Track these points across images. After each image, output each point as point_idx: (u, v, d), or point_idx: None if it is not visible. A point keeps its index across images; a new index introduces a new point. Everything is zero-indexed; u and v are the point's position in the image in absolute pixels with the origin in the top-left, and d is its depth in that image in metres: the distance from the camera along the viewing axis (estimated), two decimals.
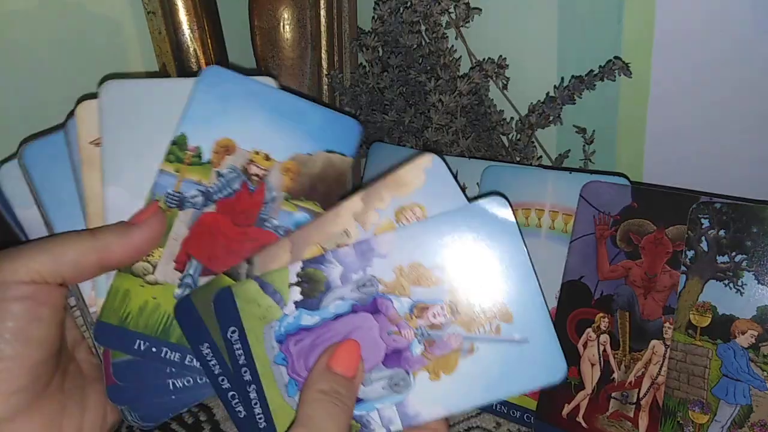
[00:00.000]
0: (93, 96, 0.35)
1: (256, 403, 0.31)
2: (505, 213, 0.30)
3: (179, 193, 0.34)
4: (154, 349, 0.33)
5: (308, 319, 0.30)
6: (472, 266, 0.30)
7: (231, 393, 0.31)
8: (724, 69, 0.46)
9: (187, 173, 0.34)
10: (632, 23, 0.48)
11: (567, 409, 0.41)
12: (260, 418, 0.31)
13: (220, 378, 0.31)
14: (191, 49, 0.52)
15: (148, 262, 0.33)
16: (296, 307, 0.30)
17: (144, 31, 0.52)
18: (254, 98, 0.34)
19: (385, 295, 0.30)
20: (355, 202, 0.31)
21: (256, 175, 0.34)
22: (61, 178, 0.34)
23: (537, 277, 0.30)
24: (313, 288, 0.30)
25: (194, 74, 0.35)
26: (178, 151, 0.34)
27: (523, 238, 0.30)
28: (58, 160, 0.35)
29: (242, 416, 0.31)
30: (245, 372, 0.31)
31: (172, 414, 0.33)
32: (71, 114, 0.35)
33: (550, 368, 0.30)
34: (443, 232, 0.30)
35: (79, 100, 0.35)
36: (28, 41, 0.48)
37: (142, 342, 0.32)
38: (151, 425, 0.33)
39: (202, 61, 0.53)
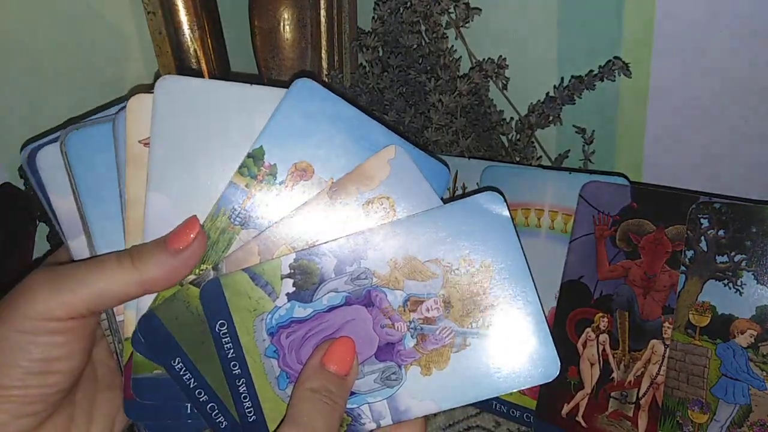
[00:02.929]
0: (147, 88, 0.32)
1: (245, 397, 0.30)
2: (500, 208, 0.30)
3: (246, 210, 0.31)
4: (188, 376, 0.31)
5: (301, 311, 0.30)
6: (466, 261, 0.30)
7: (210, 405, 0.31)
8: (724, 69, 0.46)
9: (258, 191, 0.31)
10: (632, 23, 0.48)
11: (566, 408, 0.41)
12: (250, 412, 0.30)
13: (197, 391, 0.31)
14: (191, 49, 0.52)
15: (197, 274, 0.31)
16: (288, 299, 0.30)
17: (144, 31, 0.52)
18: (342, 123, 0.31)
19: (379, 287, 0.30)
20: (321, 199, 0.31)
21: None
22: (103, 174, 0.32)
23: (531, 273, 0.30)
24: (306, 280, 0.30)
25: (258, 81, 0.32)
26: (253, 165, 0.31)
27: (517, 234, 0.30)
28: (103, 154, 0.32)
29: (224, 426, 0.31)
30: (234, 366, 0.30)
31: None
32: (115, 104, 0.33)
33: (543, 366, 0.30)
34: (438, 227, 0.30)
35: (132, 91, 0.32)
36: (28, 41, 0.48)
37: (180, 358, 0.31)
38: None
39: (202, 61, 0.53)
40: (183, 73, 0.53)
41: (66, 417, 0.31)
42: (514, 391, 0.30)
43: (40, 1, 0.47)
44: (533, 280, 0.30)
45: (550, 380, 0.30)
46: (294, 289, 0.30)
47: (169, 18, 0.51)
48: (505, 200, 0.30)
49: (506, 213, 0.30)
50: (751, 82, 0.46)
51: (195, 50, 0.52)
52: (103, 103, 0.49)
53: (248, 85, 0.31)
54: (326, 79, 0.58)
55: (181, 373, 0.31)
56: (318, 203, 0.31)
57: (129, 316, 0.31)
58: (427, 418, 0.31)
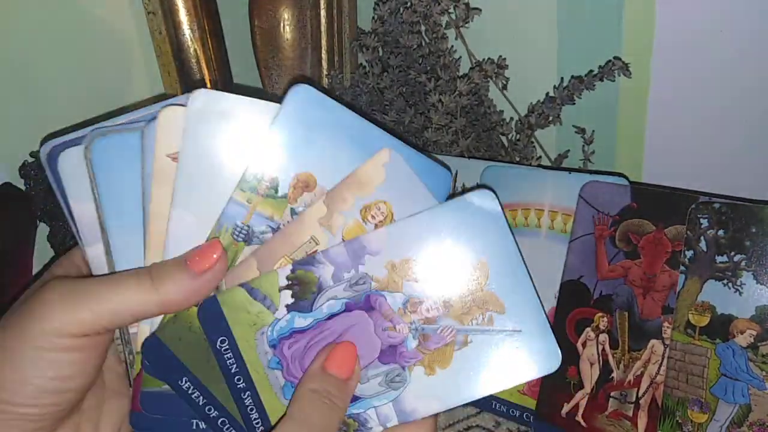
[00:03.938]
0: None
1: (252, 409, 0.30)
2: (493, 205, 0.30)
3: (248, 226, 0.30)
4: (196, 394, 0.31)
5: (301, 321, 0.30)
6: (462, 259, 0.30)
7: (221, 420, 0.31)
8: (723, 69, 0.46)
9: (260, 206, 0.30)
10: (632, 23, 0.48)
11: (566, 408, 0.41)
12: (258, 424, 0.31)
13: (207, 408, 0.31)
14: (191, 49, 0.52)
15: None
16: (288, 311, 0.30)
17: (144, 31, 0.52)
18: (343, 131, 0.31)
19: (378, 291, 0.30)
20: (318, 208, 0.30)
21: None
22: (127, 183, 0.31)
23: (527, 266, 0.30)
24: (304, 290, 0.30)
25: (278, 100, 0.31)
26: (254, 179, 0.30)
27: (511, 230, 0.30)
28: (128, 164, 0.31)
29: None
30: (239, 380, 0.30)
31: None
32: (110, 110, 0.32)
33: (545, 357, 0.30)
34: (433, 227, 0.30)
35: (115, 95, 0.31)
36: (27, 41, 0.48)
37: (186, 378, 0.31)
38: None
39: (202, 61, 0.53)
40: (184, 74, 0.53)
41: (73, 426, 0.30)
42: (518, 384, 0.30)
43: (40, 1, 0.47)
44: (530, 275, 0.30)
45: (553, 372, 0.30)
46: (293, 300, 0.30)
47: (169, 18, 0.51)
48: (497, 197, 0.30)
49: (498, 209, 0.30)
50: (751, 81, 0.46)
51: (195, 50, 0.52)
52: (102, 103, 0.49)
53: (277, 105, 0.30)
54: (326, 80, 0.58)
55: (190, 392, 0.31)
56: (314, 212, 0.31)
57: (143, 329, 0.31)
58: (436, 417, 0.31)
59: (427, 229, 0.30)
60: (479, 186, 0.31)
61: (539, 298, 0.30)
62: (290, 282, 0.30)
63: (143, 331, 0.31)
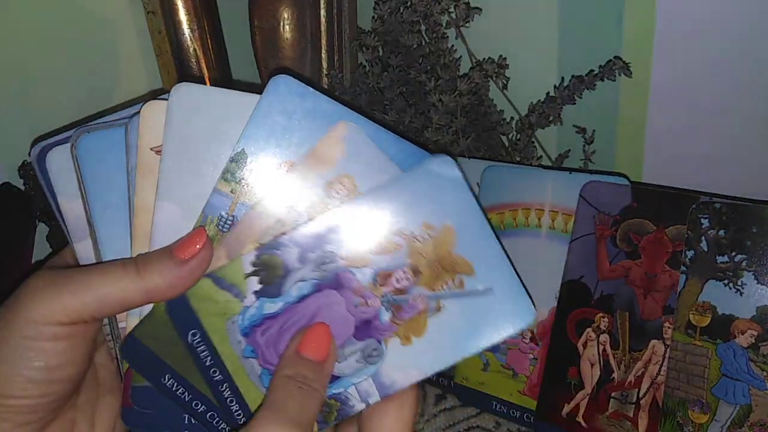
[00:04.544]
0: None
1: (231, 401, 0.30)
2: (453, 171, 0.30)
3: (233, 216, 0.30)
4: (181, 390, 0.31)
5: (271, 306, 0.30)
6: (427, 227, 0.30)
7: (210, 414, 0.31)
8: (724, 68, 0.46)
9: (243, 196, 0.30)
10: (632, 23, 0.48)
11: (567, 408, 0.41)
12: (239, 415, 0.30)
13: (194, 403, 0.31)
14: (191, 49, 0.52)
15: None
16: (257, 297, 0.30)
17: (144, 31, 0.52)
18: (323, 119, 0.31)
19: (346, 268, 0.30)
20: (280, 188, 0.30)
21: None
22: (113, 178, 0.31)
23: (492, 227, 0.30)
24: (271, 274, 0.30)
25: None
26: (237, 169, 0.30)
27: (473, 192, 0.30)
28: (114, 158, 0.31)
29: None
30: (215, 372, 0.30)
31: None
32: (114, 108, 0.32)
33: (518, 313, 0.30)
34: (394, 198, 0.30)
35: (115, 94, 0.32)
36: (27, 41, 0.48)
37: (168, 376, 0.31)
38: None
39: (202, 61, 0.53)
40: (184, 74, 0.53)
41: (68, 422, 0.30)
42: (495, 343, 0.30)
43: (40, 2, 0.47)
44: (496, 235, 0.30)
45: (528, 326, 0.30)
46: (261, 286, 0.30)
47: (169, 18, 0.51)
48: (457, 162, 0.30)
49: (459, 174, 0.30)
50: (752, 81, 0.46)
51: (195, 50, 0.52)
52: (102, 103, 0.49)
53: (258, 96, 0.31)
54: (326, 79, 0.58)
55: (174, 388, 0.30)
56: (276, 193, 0.30)
57: (131, 323, 0.31)
58: (420, 388, 0.31)
59: (388, 201, 0.30)
60: (438, 153, 0.31)
61: (508, 256, 0.30)
62: (256, 268, 0.30)
63: (132, 325, 0.31)
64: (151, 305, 0.31)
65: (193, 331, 0.30)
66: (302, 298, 0.30)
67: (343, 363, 0.30)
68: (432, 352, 0.30)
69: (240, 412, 0.30)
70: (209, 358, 0.30)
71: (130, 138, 0.31)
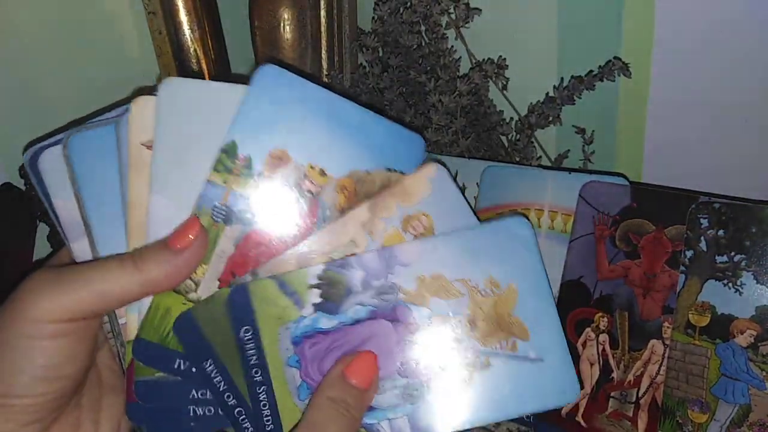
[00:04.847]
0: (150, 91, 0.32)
1: (265, 405, 0.30)
2: (527, 232, 0.30)
3: (226, 206, 0.31)
4: (193, 369, 0.31)
5: (326, 322, 0.30)
6: (492, 282, 0.30)
7: (237, 409, 0.31)
8: (724, 68, 0.46)
9: (236, 185, 0.31)
10: (632, 23, 0.48)
11: (566, 408, 0.41)
12: (268, 421, 0.30)
13: (226, 395, 0.31)
14: (191, 49, 0.52)
15: (192, 279, 0.31)
16: (315, 310, 0.30)
17: (144, 31, 0.52)
18: (312, 105, 0.31)
19: (405, 303, 0.30)
20: (362, 212, 0.31)
21: (310, 192, 0.31)
22: (105, 176, 0.31)
23: (554, 297, 0.31)
24: (333, 291, 0.30)
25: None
26: (227, 160, 0.31)
27: (542, 259, 0.31)
28: (106, 157, 0.31)
29: None
30: (256, 373, 0.30)
31: None
32: (115, 105, 0.33)
33: (564, 389, 0.30)
34: (467, 247, 0.30)
35: (135, 94, 0.32)
36: (27, 41, 0.48)
37: (181, 361, 0.31)
38: None
39: (203, 61, 0.53)
40: (185, 74, 0.53)
41: (72, 421, 0.30)
42: (535, 412, 0.31)
43: (40, 2, 0.47)
44: (556, 306, 0.31)
45: (569, 402, 0.30)
46: (321, 299, 0.30)
47: (169, 18, 0.51)
48: (532, 225, 0.31)
49: (532, 236, 0.30)
50: (752, 80, 0.46)
51: (195, 50, 0.52)
52: (103, 103, 0.49)
53: (245, 86, 0.31)
54: (326, 79, 0.58)
55: (212, 375, 0.30)
56: (358, 215, 0.31)
57: (131, 319, 0.31)
58: None
59: (461, 248, 0.30)
60: (515, 213, 0.32)
61: (564, 329, 0.31)
62: (320, 281, 0.30)
63: (131, 321, 0.31)
64: (149, 299, 0.31)
65: (246, 327, 0.30)
66: (356, 322, 0.30)
67: (381, 395, 0.30)
68: (472, 407, 0.30)
69: (270, 418, 0.30)
70: (255, 357, 0.30)
71: (120, 135, 0.31)
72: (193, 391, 0.31)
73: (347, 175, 0.32)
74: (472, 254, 0.30)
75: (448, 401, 0.30)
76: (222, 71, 0.55)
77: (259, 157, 0.31)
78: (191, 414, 0.32)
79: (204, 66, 0.53)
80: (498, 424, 0.45)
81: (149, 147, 0.31)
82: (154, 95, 0.31)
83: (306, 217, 0.32)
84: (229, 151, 0.31)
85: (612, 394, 0.40)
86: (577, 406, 0.41)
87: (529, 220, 0.31)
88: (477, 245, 0.30)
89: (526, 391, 0.30)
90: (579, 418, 0.41)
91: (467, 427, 0.30)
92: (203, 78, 0.53)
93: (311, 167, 0.31)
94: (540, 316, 0.30)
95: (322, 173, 0.32)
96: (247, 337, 0.30)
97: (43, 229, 0.50)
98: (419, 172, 0.31)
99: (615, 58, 0.48)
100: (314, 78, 0.32)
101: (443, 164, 0.32)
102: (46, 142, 0.33)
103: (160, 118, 0.31)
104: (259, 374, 0.30)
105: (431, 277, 0.30)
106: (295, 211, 0.31)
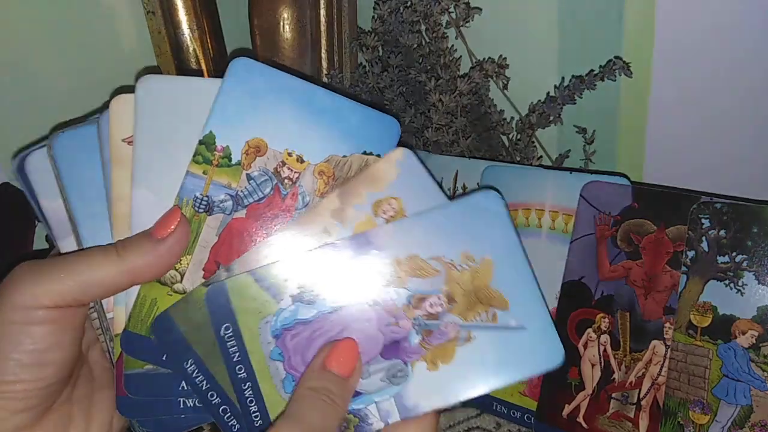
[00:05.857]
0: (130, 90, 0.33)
1: (251, 401, 0.30)
2: (498, 206, 0.30)
3: (207, 196, 0.32)
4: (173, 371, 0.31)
5: (305, 312, 0.30)
6: (467, 257, 0.30)
7: (222, 407, 0.31)
8: (724, 68, 0.46)
9: (216, 175, 0.32)
10: (633, 23, 0.48)
11: (567, 409, 0.41)
12: (256, 416, 0.30)
13: (209, 394, 0.31)
14: (191, 49, 0.52)
15: (176, 270, 0.31)
16: (293, 301, 0.30)
17: (144, 31, 0.52)
18: (286, 94, 0.32)
19: (384, 286, 0.30)
20: (332, 200, 0.31)
21: (289, 179, 0.32)
22: (89, 174, 0.32)
23: (530, 264, 0.31)
24: (309, 281, 0.30)
25: None
26: (206, 151, 0.32)
27: (515, 229, 0.31)
28: (89, 155, 0.32)
29: (236, 430, 0.31)
30: (240, 369, 0.30)
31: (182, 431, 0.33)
32: (106, 106, 0.33)
33: (548, 354, 0.30)
34: (439, 225, 0.30)
35: (115, 94, 0.33)
36: (26, 41, 0.48)
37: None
38: None
39: (202, 61, 0.53)
40: (184, 74, 0.53)
41: (64, 415, 0.31)
42: (520, 380, 0.31)
43: (40, 2, 0.47)
44: (533, 273, 0.30)
45: (555, 367, 0.30)
46: (298, 291, 0.30)
47: (168, 18, 0.51)
48: (503, 198, 0.31)
49: (504, 210, 0.30)
50: (752, 80, 0.46)
51: (195, 50, 0.52)
52: (103, 103, 0.49)
53: (219, 80, 0.32)
54: (326, 79, 0.58)
55: (194, 375, 0.31)
56: (327, 204, 0.31)
57: (118, 312, 0.32)
58: (437, 413, 0.31)
59: (433, 227, 0.30)
60: (485, 187, 0.31)
61: (543, 296, 0.31)
62: (296, 272, 0.30)
63: (119, 313, 0.32)
64: (136, 290, 0.31)
65: (226, 324, 0.30)
66: (335, 310, 0.30)
67: (367, 380, 0.30)
68: (457, 381, 0.30)
69: (258, 413, 0.30)
70: (237, 354, 0.30)
71: (102, 132, 0.32)
72: (183, 384, 0.32)
73: (325, 160, 0.32)
74: (445, 232, 0.30)
75: (434, 378, 0.30)
76: (221, 71, 0.55)
77: (237, 147, 0.32)
78: (181, 406, 0.32)
79: (203, 65, 0.53)
80: (499, 425, 0.45)
81: (130, 142, 0.32)
82: (133, 93, 0.32)
83: (286, 204, 0.32)
84: (208, 142, 0.32)
85: (613, 395, 0.40)
86: (578, 407, 0.41)
87: (500, 193, 0.31)
88: (449, 222, 0.30)
89: (511, 360, 0.30)
90: (580, 419, 0.40)
91: (455, 401, 0.30)
92: (202, 75, 0.53)
93: (289, 154, 0.32)
94: (518, 286, 0.30)
95: (300, 160, 0.32)
96: (228, 335, 0.30)
97: (42, 229, 0.50)
98: (386, 157, 0.32)
99: (616, 57, 0.47)
100: (286, 68, 0.33)
101: (411, 148, 0.32)
102: (32, 148, 0.34)
103: (138, 114, 0.32)
104: (242, 371, 0.30)
105: (406, 258, 0.30)
106: (276, 198, 0.32)
